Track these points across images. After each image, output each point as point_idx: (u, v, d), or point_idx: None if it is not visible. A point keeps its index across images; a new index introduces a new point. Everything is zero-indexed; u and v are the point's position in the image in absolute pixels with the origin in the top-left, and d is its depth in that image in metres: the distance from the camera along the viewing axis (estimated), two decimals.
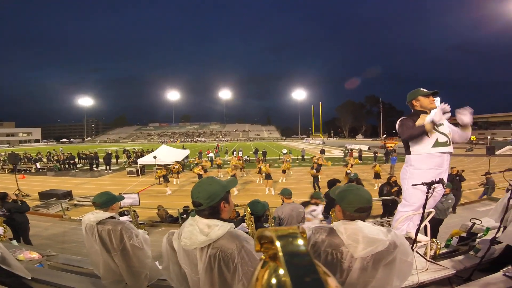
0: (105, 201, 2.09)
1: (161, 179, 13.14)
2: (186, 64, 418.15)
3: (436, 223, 5.13)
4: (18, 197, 5.36)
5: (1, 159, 21.52)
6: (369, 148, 33.10)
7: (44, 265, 3.15)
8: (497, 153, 25.17)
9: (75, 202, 10.58)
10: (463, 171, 9.31)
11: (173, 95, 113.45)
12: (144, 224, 4.69)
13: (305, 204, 4.54)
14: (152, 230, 6.65)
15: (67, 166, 21.19)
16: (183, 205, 8.16)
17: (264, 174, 12.50)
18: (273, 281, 0.35)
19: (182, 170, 16.92)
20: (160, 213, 7.93)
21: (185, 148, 26.12)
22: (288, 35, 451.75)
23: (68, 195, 11.01)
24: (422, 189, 2.21)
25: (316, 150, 33.66)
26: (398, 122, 2.64)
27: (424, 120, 2.44)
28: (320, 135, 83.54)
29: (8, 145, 70.24)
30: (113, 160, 23.26)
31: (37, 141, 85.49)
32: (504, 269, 2.14)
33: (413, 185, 2.31)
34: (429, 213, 2.53)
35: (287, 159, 17.01)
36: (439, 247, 2.84)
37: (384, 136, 62.64)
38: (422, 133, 2.39)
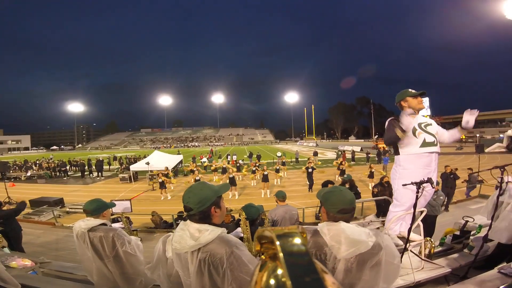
0: (96, 208, 2.06)
1: (155, 185, 13.01)
2: (178, 69, 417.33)
3: (431, 220, 5.21)
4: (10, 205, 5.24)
5: None
6: (361, 149, 33.45)
7: (37, 273, 3.09)
8: (486, 151, 25.68)
9: (67, 209, 10.41)
10: (456, 169, 9.46)
11: (165, 100, 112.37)
12: (137, 230, 4.64)
13: None
14: (147, 237, 6.57)
15: (58, 174, 20.84)
16: (177, 210, 8.10)
17: (261, 176, 12.52)
18: (272, 282, 0.35)
19: (175, 175, 16.79)
20: (154, 219, 7.84)
21: (180, 153, 25.98)
22: (279, 38, 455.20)
23: (59, 202, 10.79)
24: (412, 189, 2.24)
25: (310, 153, 33.84)
26: (386, 123, 2.68)
27: (412, 120, 2.49)
28: (314, 137, 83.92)
29: None
30: (106, 167, 22.99)
31: (26, 148, 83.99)
32: (499, 266, 2.17)
33: (403, 185, 2.33)
34: (421, 212, 2.56)
35: (283, 161, 17.18)
36: (433, 245, 2.87)
37: (376, 137, 63.37)
38: (396, 140, 2.47)
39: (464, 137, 44.80)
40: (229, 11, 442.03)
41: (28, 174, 20.05)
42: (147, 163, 16.14)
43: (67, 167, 21.77)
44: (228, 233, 1.31)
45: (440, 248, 3.24)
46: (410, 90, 2.62)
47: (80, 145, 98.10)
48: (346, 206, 1.31)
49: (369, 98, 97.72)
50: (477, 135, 46.61)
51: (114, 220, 5.94)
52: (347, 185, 7.99)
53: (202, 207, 1.25)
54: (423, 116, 2.77)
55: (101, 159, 20.98)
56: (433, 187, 2.34)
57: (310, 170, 12.47)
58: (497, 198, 2.66)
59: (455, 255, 2.84)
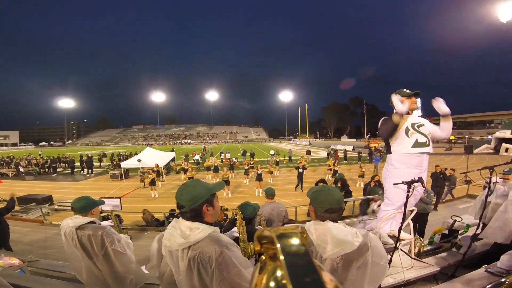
0: (84, 205, 2.03)
1: (146, 181, 12.89)
2: (172, 66, 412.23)
3: (424, 218, 5.32)
4: None
5: None
6: (353, 149, 33.83)
7: (25, 271, 3.05)
8: (474, 151, 26.26)
9: (56, 206, 10.19)
10: (446, 169, 9.64)
11: (158, 97, 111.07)
12: (127, 229, 4.59)
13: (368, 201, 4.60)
14: (138, 235, 6.51)
15: (47, 170, 20.43)
16: (169, 208, 8.03)
17: (255, 175, 12.53)
18: (272, 284, 0.35)
19: (168, 173, 16.63)
20: (145, 217, 7.76)
21: (173, 151, 25.74)
22: (278, 38, 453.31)
23: (48, 199, 10.55)
24: (403, 188, 2.26)
25: (303, 151, 34.02)
26: (380, 121, 2.70)
27: (406, 121, 2.52)
28: (307, 136, 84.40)
29: None
30: (97, 164, 22.63)
31: (14, 144, 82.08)
32: (486, 266, 2.22)
33: (394, 184, 2.36)
34: (411, 211, 2.60)
35: (276, 160, 17.21)
36: (422, 244, 2.92)
37: (367, 137, 64.24)
38: (393, 126, 2.49)
39: (453, 137, 45.74)
40: (228, 11, 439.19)
41: (21, 170, 19.60)
42: (139, 160, 15.94)
43: (56, 164, 21.35)
44: (223, 232, 1.29)
45: (429, 247, 3.30)
46: (404, 90, 2.63)
47: (70, 141, 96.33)
48: (333, 205, 1.31)
49: (362, 99, 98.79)
50: (466, 136, 47.60)
51: (105, 218, 5.86)
52: (339, 184, 8.06)
53: (193, 205, 1.23)
54: (418, 116, 2.81)
55: (90, 155, 20.63)
56: (423, 187, 2.37)
57: (300, 170, 12.49)
58: (486, 197, 2.72)
59: (444, 254, 2.90)
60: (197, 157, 23.86)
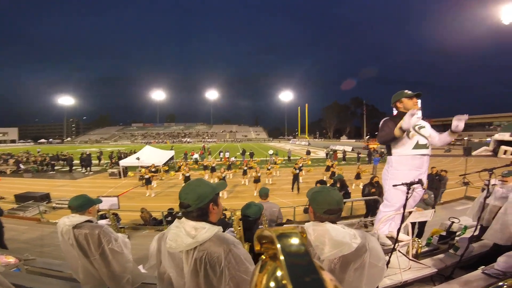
0: (81, 204, 2.02)
1: (143, 181, 12.89)
2: (172, 64, 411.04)
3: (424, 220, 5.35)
4: None
5: None
6: (352, 149, 33.91)
7: (21, 270, 3.03)
8: (473, 153, 26.38)
9: (54, 204, 10.18)
10: (442, 170, 9.66)
11: (158, 95, 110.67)
12: (124, 228, 4.58)
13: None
14: (136, 234, 6.49)
15: (45, 168, 20.37)
16: (167, 207, 8.03)
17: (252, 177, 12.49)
18: (272, 284, 0.35)
19: (167, 171, 16.63)
20: (143, 216, 7.76)
21: (173, 149, 25.72)
22: (278, 38, 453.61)
23: (46, 197, 10.57)
24: (403, 190, 2.25)
25: (302, 151, 34.03)
26: (381, 123, 2.70)
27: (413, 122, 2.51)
28: (306, 136, 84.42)
29: None
30: (96, 161, 22.58)
31: (13, 141, 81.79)
32: (482, 267, 2.23)
33: (393, 185, 2.36)
34: (410, 213, 2.60)
35: (276, 161, 17.20)
36: (420, 245, 2.92)
37: (367, 138, 64.36)
38: (392, 139, 2.47)
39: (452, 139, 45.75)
40: (228, 10, 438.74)
41: (22, 167, 19.52)
42: (138, 158, 15.92)
43: (55, 162, 21.31)
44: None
45: (426, 248, 3.31)
46: (406, 91, 2.62)
47: (69, 139, 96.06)
48: (332, 206, 1.30)
49: (362, 99, 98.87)
50: (465, 138, 47.64)
51: (102, 217, 5.85)
52: (338, 185, 8.07)
53: (200, 204, 1.22)
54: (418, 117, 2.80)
55: (88, 153, 20.59)
56: (423, 189, 2.37)
57: (297, 171, 12.40)
58: (484, 199, 2.73)
59: (441, 255, 2.90)
60: (196, 156, 23.87)
